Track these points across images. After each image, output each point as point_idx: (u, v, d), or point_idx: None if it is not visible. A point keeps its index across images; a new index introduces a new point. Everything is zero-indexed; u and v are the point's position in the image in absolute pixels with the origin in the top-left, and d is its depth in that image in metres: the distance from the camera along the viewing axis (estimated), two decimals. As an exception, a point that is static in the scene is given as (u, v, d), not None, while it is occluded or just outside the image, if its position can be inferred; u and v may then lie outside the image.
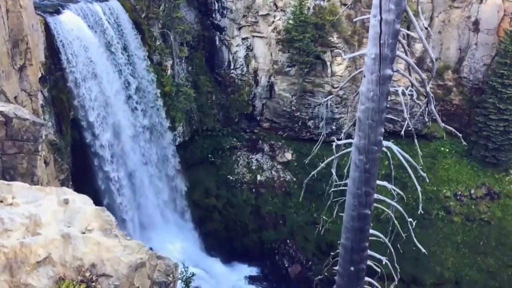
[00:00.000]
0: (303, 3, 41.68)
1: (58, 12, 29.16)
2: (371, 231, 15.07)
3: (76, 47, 29.11)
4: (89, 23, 30.75)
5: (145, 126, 37.36)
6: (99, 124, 31.86)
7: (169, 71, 41.00)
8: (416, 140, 15.29)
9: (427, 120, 14.16)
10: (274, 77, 45.63)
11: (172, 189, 41.61)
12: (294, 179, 45.48)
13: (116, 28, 33.41)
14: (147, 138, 37.85)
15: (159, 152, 39.71)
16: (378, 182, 14.64)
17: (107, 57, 32.52)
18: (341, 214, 15.45)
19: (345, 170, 14.77)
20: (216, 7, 44.16)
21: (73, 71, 29.44)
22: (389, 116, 14.78)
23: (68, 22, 28.94)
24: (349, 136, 15.34)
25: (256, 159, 46.51)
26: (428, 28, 14.53)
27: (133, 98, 35.78)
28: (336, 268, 16.05)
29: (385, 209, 16.03)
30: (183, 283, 27.40)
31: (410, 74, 13.88)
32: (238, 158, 46.48)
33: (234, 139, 47.36)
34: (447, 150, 46.03)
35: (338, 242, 15.84)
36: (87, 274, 8.41)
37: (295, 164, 46.12)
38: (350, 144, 14.18)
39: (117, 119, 33.93)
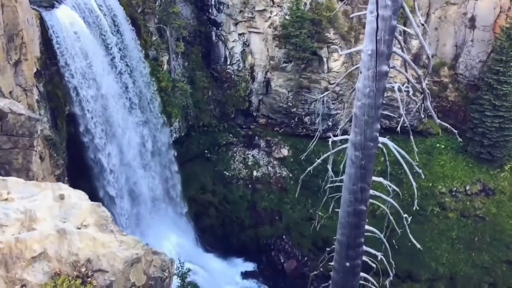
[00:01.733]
0: (299, -2, 41.60)
1: (53, 6, 28.91)
2: (366, 227, 15.15)
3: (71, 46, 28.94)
4: (85, 18, 30.48)
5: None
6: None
7: (165, 67, 40.84)
8: (412, 137, 15.37)
9: (423, 116, 14.21)
10: (270, 73, 45.54)
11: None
12: (290, 175, 45.48)
13: (115, 29, 33.17)
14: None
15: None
16: (374, 178, 14.70)
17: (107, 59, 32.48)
18: (337, 210, 15.52)
19: (341, 166, 14.81)
20: (213, 2, 43.96)
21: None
22: (385, 112, 14.83)
23: (64, 18, 28.68)
24: (345, 132, 15.36)
25: (252, 155, 46.48)
26: (425, 25, 14.57)
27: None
28: (332, 263, 16.13)
29: (380, 205, 16.12)
30: (178, 278, 27.45)
31: (406, 71, 13.92)
32: (234, 154, 46.43)
33: (230, 135, 47.29)
34: (443, 146, 46.14)
35: (334, 237, 15.91)
36: (83, 269, 8.42)
37: (291, 160, 46.13)
38: (346, 140, 14.23)
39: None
